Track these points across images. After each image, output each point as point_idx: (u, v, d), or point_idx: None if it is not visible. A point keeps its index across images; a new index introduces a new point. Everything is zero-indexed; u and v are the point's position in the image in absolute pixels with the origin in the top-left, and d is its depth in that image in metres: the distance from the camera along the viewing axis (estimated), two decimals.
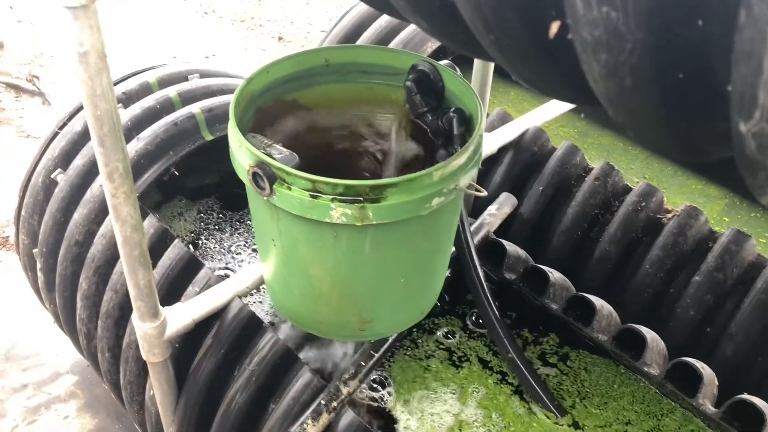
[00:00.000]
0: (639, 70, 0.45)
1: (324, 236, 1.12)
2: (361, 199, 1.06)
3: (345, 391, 1.30)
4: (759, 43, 0.35)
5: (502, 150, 1.85)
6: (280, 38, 4.16)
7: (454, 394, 1.52)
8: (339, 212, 1.06)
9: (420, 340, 1.60)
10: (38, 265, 1.83)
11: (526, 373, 1.47)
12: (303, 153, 1.20)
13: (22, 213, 1.86)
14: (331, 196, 1.06)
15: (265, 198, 1.10)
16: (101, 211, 1.64)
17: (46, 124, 3.24)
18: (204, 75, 1.97)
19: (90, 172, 1.69)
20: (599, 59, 0.46)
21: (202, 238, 1.89)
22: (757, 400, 1.28)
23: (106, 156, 1.05)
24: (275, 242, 1.20)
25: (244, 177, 1.12)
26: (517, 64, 0.58)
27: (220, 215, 1.95)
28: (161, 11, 4.29)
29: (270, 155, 1.12)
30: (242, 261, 1.82)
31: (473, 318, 1.65)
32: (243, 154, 1.12)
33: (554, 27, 0.51)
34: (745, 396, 1.30)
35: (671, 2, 0.42)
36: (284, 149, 1.15)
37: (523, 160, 1.84)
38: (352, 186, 1.05)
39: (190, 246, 1.86)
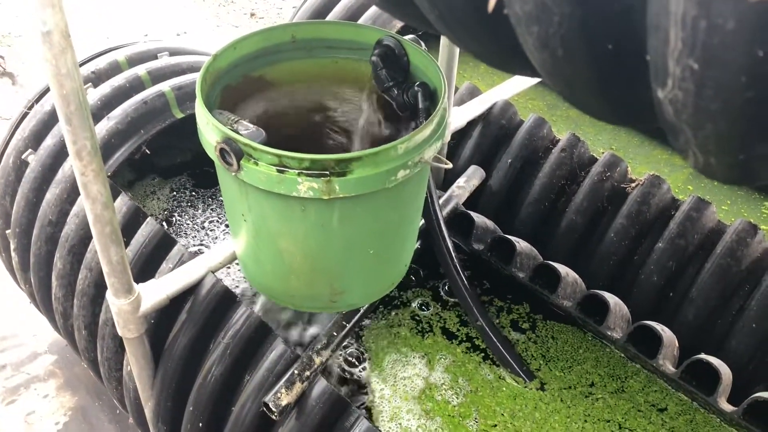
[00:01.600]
0: (568, 41, 0.48)
1: (292, 210, 1.15)
2: (328, 173, 1.08)
3: (318, 360, 1.34)
4: (664, 17, 0.38)
5: (471, 123, 1.88)
6: (252, 14, 4.13)
7: (423, 359, 1.56)
8: (306, 186, 1.09)
9: (395, 312, 1.65)
10: (12, 246, 1.84)
11: (494, 339, 1.52)
12: (271, 129, 1.22)
13: None
14: (297, 171, 1.08)
15: (233, 174, 1.12)
16: (73, 191, 1.64)
17: (15, 105, 3.21)
18: (174, 53, 1.97)
19: (61, 152, 1.70)
20: (532, 32, 0.49)
21: (176, 215, 1.90)
22: (712, 359, 1.34)
23: (74, 134, 1.06)
24: (245, 217, 1.22)
25: (212, 153, 1.14)
26: (463, 37, 0.61)
27: (193, 192, 1.97)
28: None
29: (237, 131, 1.13)
30: (216, 238, 1.84)
31: (446, 288, 1.70)
32: (210, 131, 1.14)
33: (492, 2, 0.53)
34: (702, 356, 1.36)
35: None
36: (251, 125, 1.16)
37: (492, 133, 1.87)
38: (318, 160, 1.07)
39: (164, 223, 1.88)
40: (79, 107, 1.04)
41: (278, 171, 1.08)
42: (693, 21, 0.37)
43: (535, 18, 0.47)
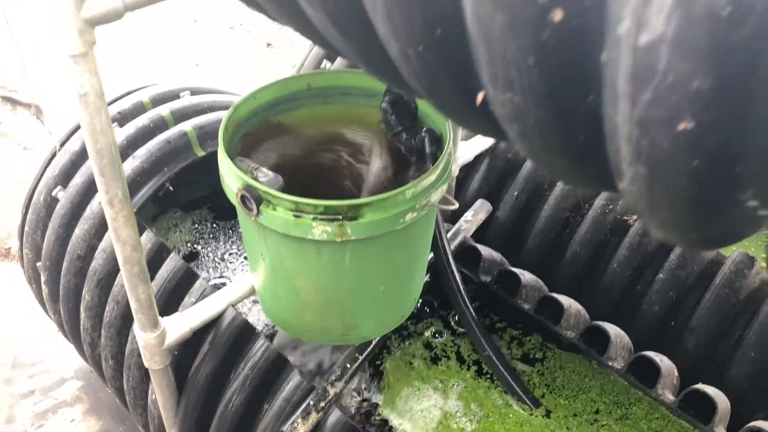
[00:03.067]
0: (544, 137, 0.56)
1: (307, 251, 1.23)
2: (340, 217, 1.16)
3: (332, 391, 1.41)
4: (616, 132, 0.46)
5: (479, 157, 1.95)
6: (268, 44, 4.25)
7: (438, 389, 1.63)
8: (320, 230, 1.17)
9: (408, 342, 1.72)
10: (42, 278, 1.93)
11: (501, 369, 1.58)
12: (288, 171, 1.30)
13: (26, 228, 1.96)
14: (312, 216, 1.16)
15: (253, 218, 1.20)
16: (101, 227, 1.74)
17: (41, 135, 3.34)
18: (195, 92, 2.07)
19: (89, 189, 1.79)
20: (512, 127, 0.57)
21: (198, 247, 1.99)
22: (709, 389, 1.40)
23: (107, 184, 1.15)
24: (263, 256, 1.31)
25: (234, 199, 1.23)
26: (457, 118, 0.69)
27: (214, 225, 2.06)
28: (151, 19, 4.37)
29: (256, 178, 1.22)
30: (235, 269, 1.92)
31: (455, 318, 1.77)
32: (232, 178, 1.22)
33: (479, 97, 0.61)
34: (699, 386, 1.41)
35: (562, 87, 0.53)
36: (269, 172, 1.25)
37: (499, 167, 1.95)
38: (331, 206, 1.15)
39: (187, 255, 1.97)
40: (111, 160, 1.13)
41: (294, 216, 1.17)
42: (637, 139, 0.45)
43: (514, 117, 0.55)
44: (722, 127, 0.42)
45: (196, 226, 2.04)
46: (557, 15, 0.45)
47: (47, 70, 3.80)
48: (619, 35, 0.43)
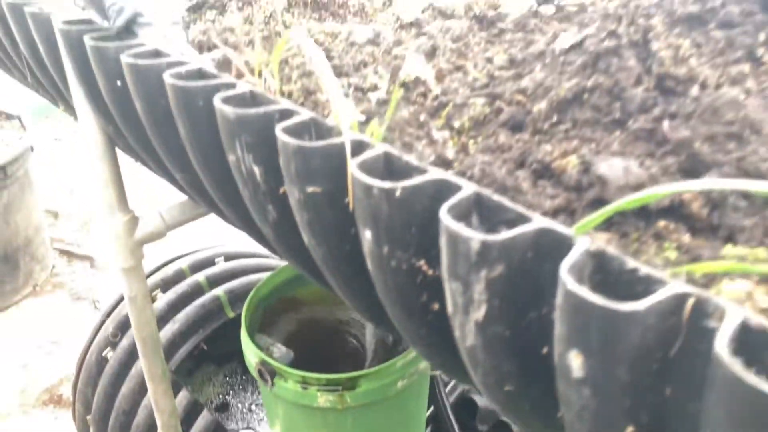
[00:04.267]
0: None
1: (315, 417, 1.44)
2: (340, 388, 1.38)
3: None
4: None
5: None
6: None
7: None
8: (323, 399, 1.39)
9: None
10: (91, 430, 2.17)
11: None
12: (301, 340, 1.54)
13: (78, 385, 2.21)
14: (317, 387, 1.39)
15: (268, 388, 1.43)
16: (143, 387, 1.98)
17: (94, 287, 3.67)
18: (228, 258, 2.36)
19: (135, 351, 2.05)
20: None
21: (228, 398, 2.21)
22: None
23: (148, 364, 1.41)
24: (278, 418, 1.52)
25: (253, 371, 1.46)
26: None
27: (243, 377, 2.28)
28: None
29: (271, 354, 1.46)
30: (261, 419, 2.13)
31: None
32: (251, 354, 1.47)
33: None
34: None
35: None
36: (283, 348, 1.49)
37: None
38: (332, 378, 1.38)
39: (219, 405, 2.19)
40: (153, 346, 1.39)
41: (302, 387, 1.39)
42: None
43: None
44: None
45: (228, 378, 2.27)
46: None
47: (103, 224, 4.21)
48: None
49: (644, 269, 0.45)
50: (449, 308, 0.55)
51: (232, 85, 0.73)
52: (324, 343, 1.71)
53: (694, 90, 0.62)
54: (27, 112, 3.59)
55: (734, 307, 0.41)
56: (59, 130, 5.35)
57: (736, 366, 0.37)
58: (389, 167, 0.61)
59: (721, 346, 0.38)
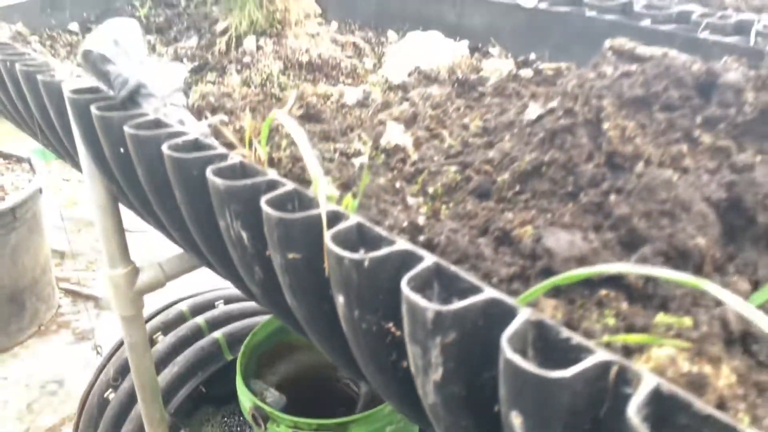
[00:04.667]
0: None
1: None
2: None
3: None
4: None
5: None
6: None
7: None
8: None
9: None
10: None
11: None
12: (296, 383, 1.59)
13: (80, 426, 2.25)
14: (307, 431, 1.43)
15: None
16: (143, 429, 2.02)
17: (97, 327, 3.72)
18: (228, 300, 2.42)
19: (134, 394, 2.09)
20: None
21: None
22: None
23: (147, 410, 1.46)
24: None
25: (247, 416, 1.51)
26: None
27: (240, 418, 2.32)
28: None
29: (264, 399, 1.51)
30: None
31: None
32: (245, 399, 1.52)
33: None
34: None
35: None
36: (276, 393, 1.54)
37: None
38: (323, 424, 1.42)
39: None
40: (152, 391, 1.44)
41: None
42: None
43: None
44: None
45: (225, 419, 2.31)
46: None
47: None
48: None
49: (575, 338, 0.50)
50: (412, 369, 0.61)
51: (224, 157, 0.80)
52: (319, 387, 1.75)
53: (639, 166, 0.68)
54: (37, 153, 3.69)
55: (649, 375, 0.46)
56: (67, 170, 5.46)
57: (643, 430, 0.42)
58: (362, 237, 0.67)
59: (633, 411, 0.44)
